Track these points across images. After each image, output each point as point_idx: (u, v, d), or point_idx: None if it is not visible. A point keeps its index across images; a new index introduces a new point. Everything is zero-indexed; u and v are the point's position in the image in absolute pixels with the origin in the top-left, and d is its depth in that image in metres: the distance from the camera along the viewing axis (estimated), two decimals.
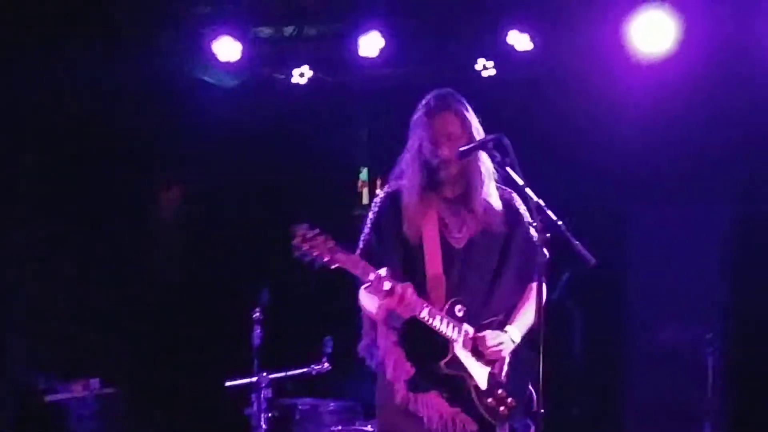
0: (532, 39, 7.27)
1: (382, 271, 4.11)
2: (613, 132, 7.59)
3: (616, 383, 7.68)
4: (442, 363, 4.25)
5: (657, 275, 7.69)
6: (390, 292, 4.09)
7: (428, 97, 4.43)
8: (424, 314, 4.18)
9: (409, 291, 4.12)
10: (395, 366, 4.34)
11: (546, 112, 7.68)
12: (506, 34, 7.29)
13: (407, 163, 4.41)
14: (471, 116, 4.39)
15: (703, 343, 6.83)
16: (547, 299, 4.03)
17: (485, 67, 7.68)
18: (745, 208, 7.53)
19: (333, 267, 4.06)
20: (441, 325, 4.22)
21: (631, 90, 7.45)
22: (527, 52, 7.36)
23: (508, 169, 4.15)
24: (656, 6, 6.87)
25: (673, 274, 7.62)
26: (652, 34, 7.00)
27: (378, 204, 4.47)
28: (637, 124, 7.52)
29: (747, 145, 7.46)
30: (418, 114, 4.41)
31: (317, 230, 4.01)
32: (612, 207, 7.67)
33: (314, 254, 3.98)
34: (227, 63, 7.80)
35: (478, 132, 4.36)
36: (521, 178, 4.11)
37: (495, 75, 7.68)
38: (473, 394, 4.30)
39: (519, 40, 7.30)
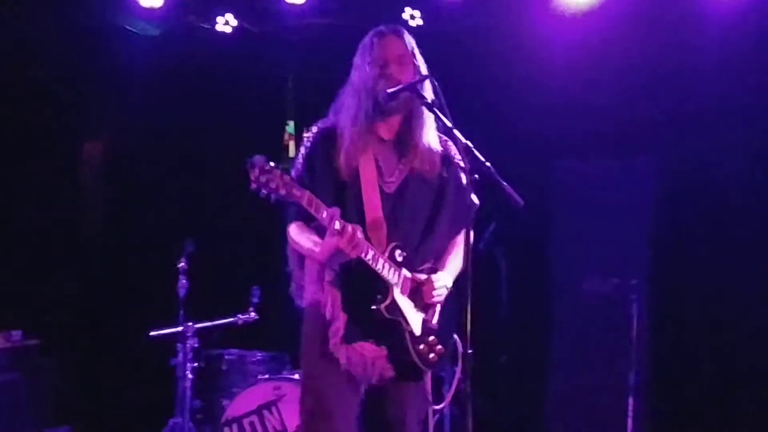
0: None
1: (335, 209, 4.06)
2: (538, 85, 7.58)
3: (543, 332, 7.73)
4: (382, 306, 4.20)
5: (581, 226, 7.74)
6: (341, 231, 4.05)
7: (377, 27, 4.39)
8: (369, 256, 4.14)
9: (359, 231, 4.08)
10: (333, 305, 4.29)
11: (471, 64, 7.64)
12: None
13: (349, 96, 4.33)
14: (418, 52, 4.36)
15: (627, 290, 6.92)
16: (474, 249, 4.01)
17: (412, 17, 7.62)
18: (666, 161, 7.59)
19: (288, 201, 4.02)
20: (383, 268, 4.18)
21: (556, 42, 7.45)
22: (454, 2, 7.35)
23: (436, 110, 4.13)
24: None
25: (598, 226, 7.66)
26: None
27: (311, 140, 4.38)
28: (562, 76, 7.53)
29: (670, 98, 7.52)
30: (367, 39, 4.36)
31: (273, 164, 3.95)
32: (536, 160, 7.68)
33: (271, 187, 3.92)
34: (149, 9, 7.67)
35: (424, 68, 4.34)
36: (449, 121, 4.09)
37: (422, 26, 7.62)
38: (407, 340, 4.27)
39: None
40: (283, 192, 3.95)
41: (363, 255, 4.12)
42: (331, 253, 4.18)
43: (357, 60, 4.37)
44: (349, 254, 4.09)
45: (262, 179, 3.91)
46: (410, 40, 4.36)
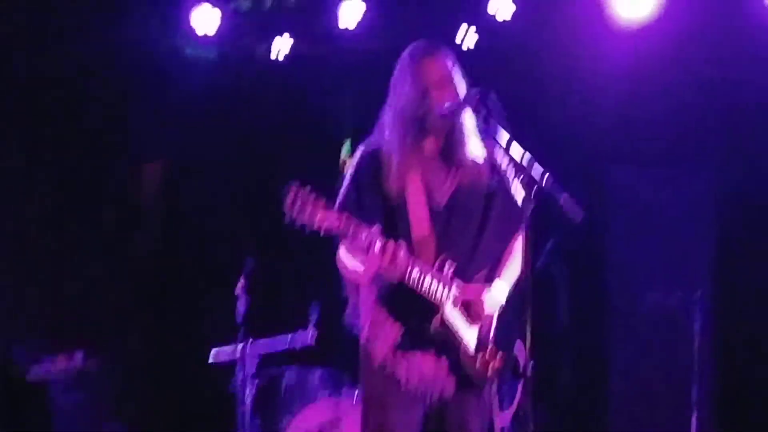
0: (515, 2, 7.24)
1: (374, 229, 4.05)
2: (597, 96, 7.56)
3: (604, 347, 7.65)
4: (432, 323, 4.19)
5: (642, 238, 7.68)
6: (382, 251, 4.04)
7: (413, 44, 4.37)
8: (415, 274, 4.11)
9: (402, 250, 4.06)
10: (372, 326, 4.29)
11: (527, 77, 7.63)
12: (488, 1, 7.27)
13: (391, 118, 4.31)
14: (458, 68, 4.32)
15: (691, 303, 6.84)
16: (532, 266, 3.98)
17: (467, 35, 7.62)
18: (728, 170, 7.52)
19: (324, 229, 4.00)
20: (431, 285, 4.16)
21: (614, 53, 7.42)
22: (510, 16, 7.33)
23: (494, 123, 4.05)
24: None
25: (658, 237, 7.61)
26: None
27: (357, 161, 4.38)
28: (621, 88, 7.50)
29: (730, 108, 7.47)
30: (404, 60, 4.32)
31: (308, 190, 3.95)
32: (595, 171, 7.65)
33: (306, 215, 3.92)
34: (206, 33, 7.75)
35: (464, 85, 4.29)
36: (508, 132, 4.05)
37: (477, 43, 7.63)
38: (462, 354, 4.25)
39: (500, 7, 7.27)
40: (318, 218, 3.94)
41: (407, 273, 4.10)
42: (374, 274, 4.18)
43: (396, 80, 4.33)
44: (391, 273, 4.08)
45: (297, 208, 3.92)
46: (449, 57, 4.31)
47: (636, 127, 7.56)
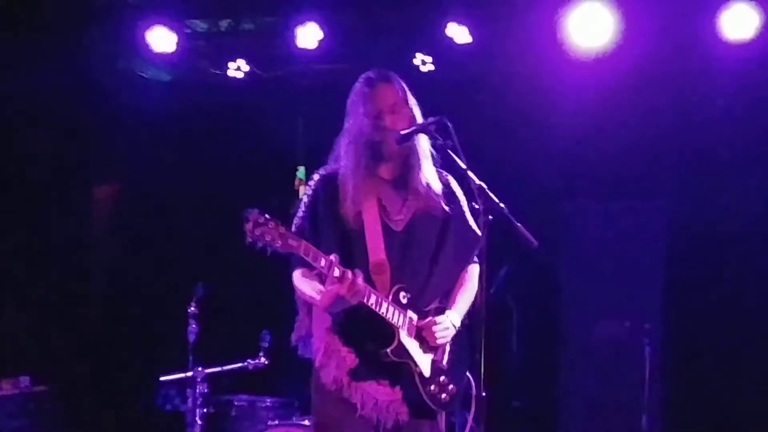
0: (471, 32, 7.24)
1: (333, 257, 4.04)
2: (550, 127, 7.61)
3: (555, 377, 7.69)
4: (388, 350, 4.19)
5: (593, 270, 7.75)
6: (341, 278, 4.02)
7: (366, 73, 4.39)
8: (372, 301, 4.11)
9: (359, 278, 4.05)
10: (326, 352, 4.28)
11: (483, 108, 7.66)
12: (445, 27, 7.26)
13: (346, 145, 4.33)
14: (410, 95, 4.36)
15: (641, 334, 6.89)
16: (485, 292, 3.99)
17: (423, 62, 7.63)
18: (678, 203, 7.59)
19: (284, 253, 3.98)
20: (387, 312, 4.16)
21: (569, 84, 7.46)
22: (466, 45, 7.32)
23: (450, 152, 4.11)
24: None
25: (609, 269, 7.67)
26: (590, 28, 7.00)
27: (313, 187, 4.38)
28: (574, 118, 7.54)
29: (681, 140, 7.54)
30: (358, 87, 4.35)
31: (267, 215, 3.93)
32: (547, 202, 7.69)
33: (266, 239, 3.89)
34: (162, 54, 7.68)
35: (418, 111, 4.33)
36: (463, 162, 4.07)
37: (434, 70, 7.63)
38: (417, 381, 4.25)
39: (458, 33, 7.27)
40: (279, 243, 3.92)
41: (365, 300, 4.10)
42: (332, 301, 4.15)
43: (350, 107, 4.36)
44: (350, 301, 4.07)
45: (257, 232, 3.88)
46: (401, 85, 4.35)
47: (589, 159, 7.61)
